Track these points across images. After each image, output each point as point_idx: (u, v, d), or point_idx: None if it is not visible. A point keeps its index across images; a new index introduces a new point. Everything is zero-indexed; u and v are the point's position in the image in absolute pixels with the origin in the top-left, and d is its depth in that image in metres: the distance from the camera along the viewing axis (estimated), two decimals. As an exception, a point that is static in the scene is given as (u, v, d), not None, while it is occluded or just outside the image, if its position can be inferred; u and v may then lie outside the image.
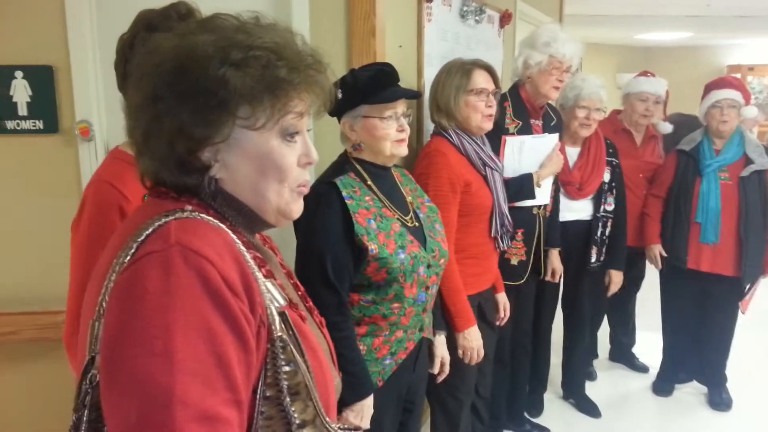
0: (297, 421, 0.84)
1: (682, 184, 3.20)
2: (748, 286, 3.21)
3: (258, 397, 0.81)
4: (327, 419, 0.89)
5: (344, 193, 1.66)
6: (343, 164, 1.77)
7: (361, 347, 1.69)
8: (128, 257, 0.79)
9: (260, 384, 0.82)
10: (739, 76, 9.43)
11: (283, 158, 0.89)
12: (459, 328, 2.12)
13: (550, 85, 2.60)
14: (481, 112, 2.21)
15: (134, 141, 0.89)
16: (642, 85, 3.44)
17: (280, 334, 0.84)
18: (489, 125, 2.27)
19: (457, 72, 2.23)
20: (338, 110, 1.75)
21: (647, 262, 3.55)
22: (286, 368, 0.83)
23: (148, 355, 0.71)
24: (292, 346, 0.85)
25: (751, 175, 3.09)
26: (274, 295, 0.87)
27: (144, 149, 0.87)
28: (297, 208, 0.95)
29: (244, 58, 0.83)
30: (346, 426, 0.96)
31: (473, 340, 2.15)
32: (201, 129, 0.83)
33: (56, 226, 2.20)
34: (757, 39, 9.81)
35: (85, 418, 0.79)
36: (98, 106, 2.13)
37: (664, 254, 3.28)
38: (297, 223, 1.68)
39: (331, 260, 1.61)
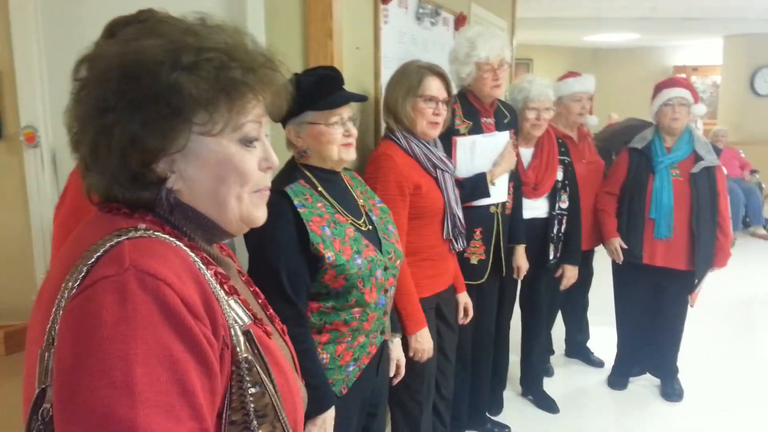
0: None
1: (635, 181, 3.27)
2: (697, 280, 3.31)
3: (223, 422, 0.78)
4: None
5: (296, 202, 1.62)
6: (292, 171, 1.73)
7: (324, 355, 1.67)
8: (78, 282, 0.74)
9: (225, 408, 0.78)
10: (684, 76, 9.75)
11: (243, 164, 0.86)
12: (410, 331, 2.11)
13: (489, 86, 2.61)
14: (426, 119, 2.21)
15: (80, 156, 0.83)
16: (573, 86, 3.47)
17: (245, 355, 0.80)
18: (434, 133, 2.27)
19: (411, 74, 2.22)
20: (282, 117, 1.71)
21: (602, 259, 3.62)
22: (252, 390, 0.80)
23: (107, 387, 0.67)
24: (258, 367, 0.82)
25: (701, 171, 3.18)
26: (237, 313, 0.84)
27: (93, 164, 0.82)
28: (260, 215, 0.92)
29: (196, 61, 0.80)
30: None
31: (425, 342, 2.15)
32: (155, 140, 0.79)
33: (2, 235, 2.13)
34: (700, 40, 10.18)
35: None
36: (44, 111, 2.06)
37: (624, 246, 3.33)
38: (248, 236, 1.65)
39: (286, 272, 1.57)
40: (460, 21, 3.36)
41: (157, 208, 0.84)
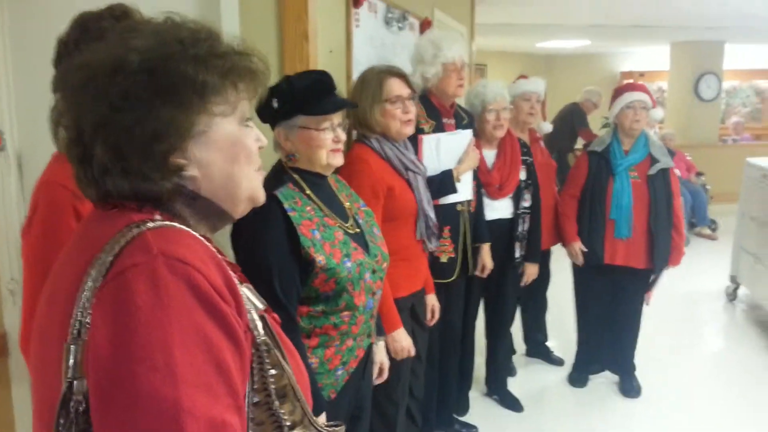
0: (287, 423, 0.84)
1: (596, 184, 3.36)
2: (652, 278, 3.42)
3: (247, 403, 0.80)
4: (314, 418, 0.90)
5: (286, 205, 1.61)
6: (280, 174, 1.71)
7: (313, 359, 1.66)
8: (104, 273, 0.75)
9: (248, 390, 0.81)
10: (631, 81, 10.06)
11: (248, 140, 0.91)
12: (387, 331, 2.13)
13: (454, 86, 2.69)
14: (399, 119, 2.24)
15: (86, 162, 0.81)
16: (523, 86, 3.58)
17: (263, 338, 0.84)
18: (409, 130, 2.30)
19: (371, 82, 2.24)
20: (272, 118, 1.70)
21: (562, 259, 3.70)
22: (272, 371, 0.83)
23: (150, 370, 0.69)
24: (275, 350, 0.85)
25: (657, 173, 3.30)
26: (252, 299, 0.87)
27: (112, 165, 0.80)
28: (263, 192, 0.97)
29: (200, 51, 0.84)
30: (330, 423, 0.96)
31: (402, 340, 2.17)
32: (177, 128, 0.82)
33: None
34: (647, 47, 10.52)
35: None
36: (9, 113, 1.98)
37: (585, 249, 3.43)
38: (237, 240, 1.64)
39: (278, 277, 1.56)
40: (425, 26, 3.41)
41: (173, 200, 0.85)
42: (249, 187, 0.92)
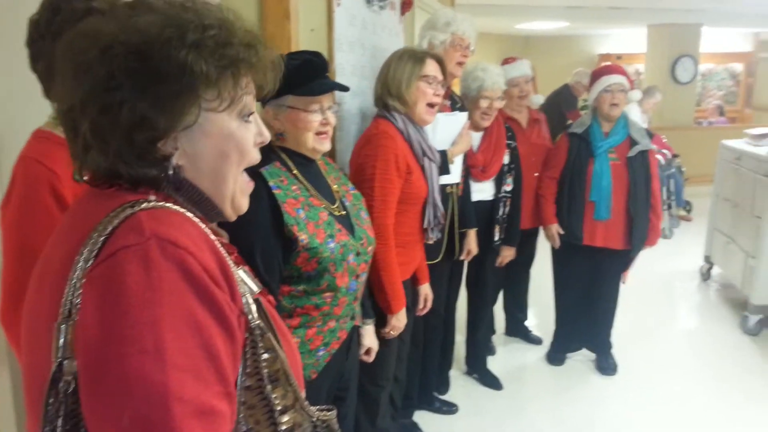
0: (279, 408, 0.83)
1: (576, 165, 3.37)
2: (629, 258, 3.47)
3: (238, 387, 0.80)
4: (305, 403, 0.90)
5: (271, 183, 1.61)
6: (267, 153, 1.68)
7: (294, 340, 1.66)
8: (95, 252, 0.74)
9: (240, 374, 0.80)
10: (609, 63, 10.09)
11: (244, 139, 0.88)
12: (394, 310, 2.15)
13: (455, 62, 2.72)
14: (427, 99, 2.28)
15: (77, 136, 0.80)
16: (510, 72, 3.56)
17: (258, 321, 0.83)
18: (431, 118, 2.34)
19: (410, 58, 2.29)
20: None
21: (543, 239, 3.73)
22: (266, 356, 0.82)
23: (139, 353, 0.68)
24: (269, 333, 0.84)
25: (637, 155, 3.32)
26: (247, 282, 0.86)
27: (94, 143, 0.79)
28: (245, 202, 0.95)
29: (201, 38, 0.80)
30: (322, 407, 0.96)
31: (402, 320, 2.20)
32: (165, 118, 0.79)
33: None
34: (624, 30, 10.56)
35: (59, 430, 0.73)
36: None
37: (561, 232, 3.46)
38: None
39: (261, 254, 1.56)
40: (406, 6, 3.37)
41: (160, 185, 0.84)
42: (232, 189, 0.89)
